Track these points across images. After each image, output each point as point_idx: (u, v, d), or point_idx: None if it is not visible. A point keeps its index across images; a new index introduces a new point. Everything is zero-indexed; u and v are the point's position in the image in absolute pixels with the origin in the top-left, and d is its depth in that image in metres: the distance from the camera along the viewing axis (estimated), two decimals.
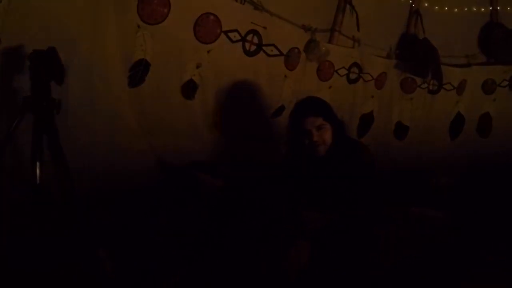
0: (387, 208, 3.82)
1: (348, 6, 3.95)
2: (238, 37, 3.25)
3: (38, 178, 2.06)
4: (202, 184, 2.83)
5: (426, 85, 4.58)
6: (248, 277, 2.49)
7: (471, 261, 3.19)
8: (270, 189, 2.86)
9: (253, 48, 3.37)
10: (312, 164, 2.68)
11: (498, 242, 3.44)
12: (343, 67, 4.03)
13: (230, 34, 3.20)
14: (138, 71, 2.88)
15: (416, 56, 4.36)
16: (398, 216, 3.93)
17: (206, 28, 3.07)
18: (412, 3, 4.38)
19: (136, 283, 2.54)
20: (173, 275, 2.62)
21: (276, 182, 2.89)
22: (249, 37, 3.31)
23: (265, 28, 3.37)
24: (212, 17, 3.07)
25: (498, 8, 4.65)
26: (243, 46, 3.31)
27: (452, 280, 2.92)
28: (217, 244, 2.74)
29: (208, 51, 3.13)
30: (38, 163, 2.07)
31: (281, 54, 3.53)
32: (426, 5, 4.41)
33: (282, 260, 2.36)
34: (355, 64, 4.09)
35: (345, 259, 2.42)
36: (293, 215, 2.53)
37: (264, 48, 3.42)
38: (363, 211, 2.47)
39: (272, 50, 3.47)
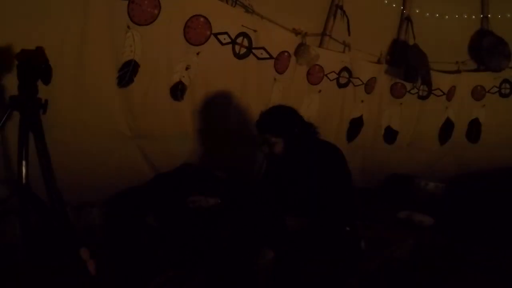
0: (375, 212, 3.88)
1: (339, 11, 3.99)
2: (228, 40, 3.26)
3: (24, 178, 2.06)
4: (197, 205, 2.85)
5: (416, 90, 4.62)
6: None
7: (458, 264, 3.22)
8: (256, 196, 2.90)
9: (243, 51, 3.38)
10: (280, 171, 2.74)
11: (485, 246, 3.47)
12: (333, 72, 4.06)
13: (220, 37, 3.21)
14: (127, 72, 2.87)
15: (406, 61, 4.40)
16: (386, 219, 3.97)
17: (196, 30, 3.07)
18: (403, 9, 4.42)
19: (121, 283, 2.54)
20: (158, 275, 2.63)
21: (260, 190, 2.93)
22: (239, 40, 3.33)
23: (255, 31, 3.38)
24: (202, 19, 3.07)
25: (489, 15, 4.69)
26: (233, 49, 3.33)
27: (438, 282, 2.95)
28: (201, 246, 2.76)
29: (198, 53, 3.14)
30: (24, 163, 2.06)
31: (271, 57, 3.55)
32: (417, 11, 4.45)
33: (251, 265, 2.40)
34: (345, 69, 4.12)
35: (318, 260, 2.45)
36: (276, 219, 2.56)
37: (254, 51, 3.43)
38: (331, 213, 2.49)
39: (262, 53, 3.49)
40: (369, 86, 4.33)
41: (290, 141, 2.58)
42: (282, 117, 2.63)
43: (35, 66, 2.08)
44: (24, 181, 2.04)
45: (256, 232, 2.55)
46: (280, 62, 3.62)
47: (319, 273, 2.43)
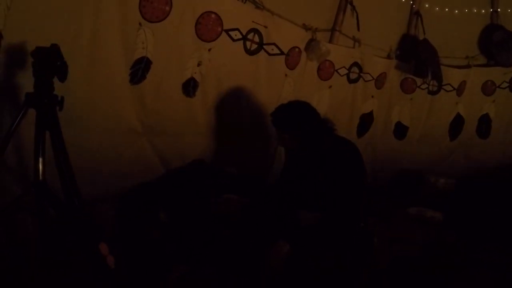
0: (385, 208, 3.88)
1: (349, 6, 3.96)
2: (239, 36, 3.27)
3: (40, 174, 2.07)
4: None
5: (426, 85, 4.60)
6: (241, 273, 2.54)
7: (467, 261, 3.21)
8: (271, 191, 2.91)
9: (254, 47, 3.38)
10: (295, 165, 2.77)
11: (495, 243, 3.46)
12: (344, 67, 4.05)
13: (231, 33, 3.21)
14: (139, 69, 2.88)
15: (416, 56, 4.38)
16: (396, 215, 3.97)
17: (208, 26, 3.08)
18: (412, 4, 4.40)
19: (137, 277, 2.55)
20: (173, 270, 2.64)
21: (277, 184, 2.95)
22: (250, 36, 3.33)
23: (266, 27, 3.38)
24: (213, 15, 3.08)
25: (499, 10, 4.67)
26: (244, 45, 3.33)
27: (447, 279, 2.94)
28: (215, 242, 2.77)
29: (209, 49, 3.14)
30: (40, 160, 2.07)
31: (281, 53, 3.55)
32: (426, 6, 4.43)
33: (265, 258, 2.42)
34: (355, 64, 4.11)
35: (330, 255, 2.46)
36: (290, 214, 2.57)
37: (265, 47, 3.43)
38: (345, 209, 2.49)
39: (273, 49, 3.48)
40: (379, 82, 4.32)
41: (303, 137, 2.59)
42: (294, 114, 2.63)
43: (50, 63, 2.08)
44: (40, 177, 2.05)
45: (268, 226, 2.57)
46: (291, 58, 3.62)
47: (331, 267, 2.44)
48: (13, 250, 2.42)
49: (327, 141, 2.59)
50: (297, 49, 3.64)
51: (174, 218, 3.05)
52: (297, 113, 2.62)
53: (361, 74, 4.18)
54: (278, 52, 3.52)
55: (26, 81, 2.22)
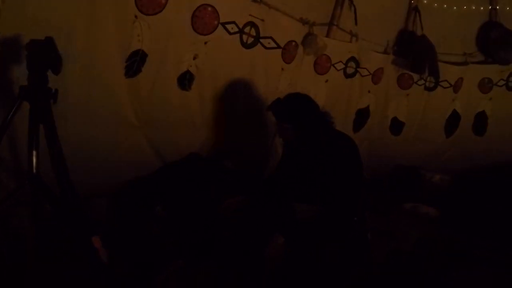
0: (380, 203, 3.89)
1: (346, 0, 3.94)
2: (236, 29, 3.25)
3: (34, 167, 2.07)
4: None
5: (423, 81, 4.58)
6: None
7: (462, 257, 3.22)
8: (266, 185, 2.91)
9: (251, 40, 3.37)
10: (292, 158, 2.78)
11: (489, 239, 3.48)
12: (340, 61, 4.04)
13: (228, 26, 3.20)
14: (135, 62, 2.87)
15: (413, 52, 4.36)
16: (391, 211, 3.98)
17: (204, 19, 3.06)
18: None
19: (134, 271, 2.56)
20: (169, 264, 2.64)
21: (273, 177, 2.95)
22: (246, 29, 3.32)
23: (263, 20, 3.37)
24: (210, 8, 3.06)
25: (497, 7, 4.63)
26: (241, 38, 3.32)
27: (442, 275, 2.96)
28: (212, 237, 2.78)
29: (206, 43, 3.13)
30: (34, 152, 2.07)
31: (278, 47, 3.54)
32: (425, 1, 4.40)
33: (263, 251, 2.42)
34: (352, 59, 4.09)
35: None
36: (286, 207, 2.58)
37: (261, 40, 3.42)
38: (340, 203, 2.49)
39: (269, 43, 3.47)
40: (376, 77, 4.31)
41: (300, 129, 2.59)
42: (294, 105, 2.64)
43: (44, 56, 2.08)
44: (34, 170, 2.05)
45: (265, 219, 2.57)
46: (287, 52, 3.61)
47: (326, 262, 2.45)
48: (8, 244, 2.41)
49: (325, 135, 2.60)
50: (293, 43, 3.63)
51: (172, 213, 3.05)
52: (296, 104, 2.64)
53: (358, 69, 4.16)
54: (275, 45, 3.52)
55: (21, 74, 2.21)
